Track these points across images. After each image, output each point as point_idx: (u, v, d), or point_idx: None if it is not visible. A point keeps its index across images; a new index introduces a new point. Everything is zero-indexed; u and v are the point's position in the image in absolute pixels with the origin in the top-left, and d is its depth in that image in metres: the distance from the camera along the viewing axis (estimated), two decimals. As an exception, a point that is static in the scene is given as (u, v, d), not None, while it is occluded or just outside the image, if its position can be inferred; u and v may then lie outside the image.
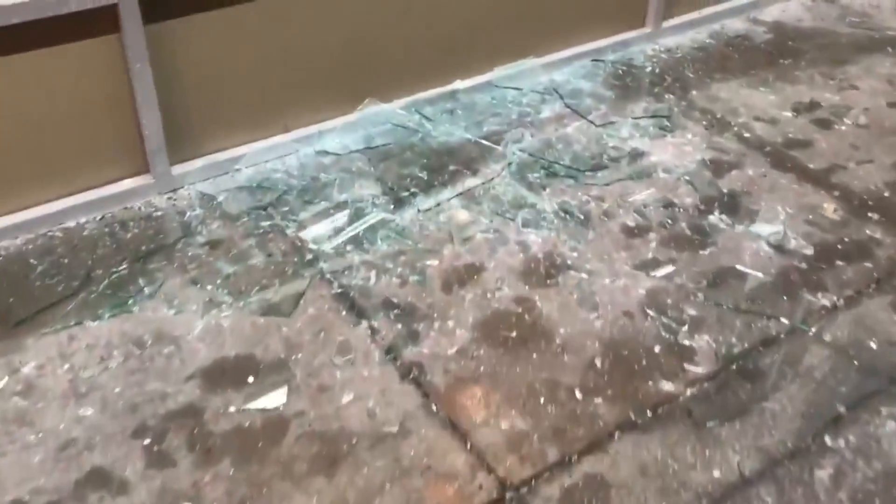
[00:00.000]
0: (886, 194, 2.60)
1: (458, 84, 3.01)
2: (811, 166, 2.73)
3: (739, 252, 2.35)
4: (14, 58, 2.18)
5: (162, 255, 2.29)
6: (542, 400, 1.89)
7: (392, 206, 2.49)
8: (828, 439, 1.82)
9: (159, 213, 2.46)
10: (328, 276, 2.23)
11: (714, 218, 2.48)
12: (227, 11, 2.44)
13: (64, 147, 2.35)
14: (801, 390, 1.93)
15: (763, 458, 1.77)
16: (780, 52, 3.44)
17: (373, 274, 2.24)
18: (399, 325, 2.08)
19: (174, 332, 2.05)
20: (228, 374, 1.94)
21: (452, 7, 2.89)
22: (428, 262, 2.29)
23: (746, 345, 2.05)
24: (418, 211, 2.47)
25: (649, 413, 1.87)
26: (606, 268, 2.28)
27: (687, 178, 2.65)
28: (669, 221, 2.46)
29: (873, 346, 2.06)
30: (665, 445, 1.80)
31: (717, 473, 1.74)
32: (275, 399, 1.88)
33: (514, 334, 2.06)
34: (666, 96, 3.09)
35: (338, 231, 2.39)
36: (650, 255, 2.33)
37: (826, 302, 2.19)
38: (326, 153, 2.73)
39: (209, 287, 2.18)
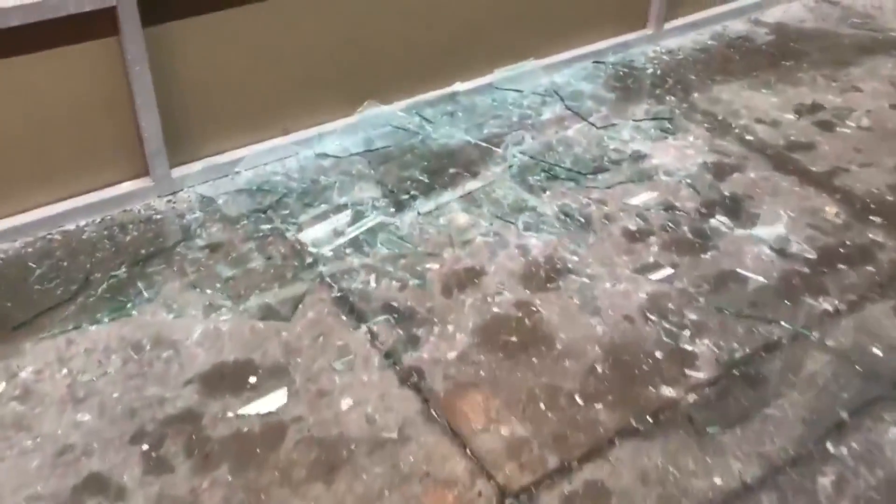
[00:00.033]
0: (889, 197, 2.59)
1: (459, 86, 3.00)
2: (813, 169, 2.72)
3: (741, 256, 2.34)
4: (13, 60, 2.17)
5: (161, 258, 2.28)
6: (542, 406, 1.88)
7: (392, 209, 2.48)
8: (830, 446, 1.80)
9: (159, 216, 2.45)
10: (328, 279, 2.22)
11: (716, 221, 2.47)
12: (226, 13, 2.43)
13: (63, 150, 2.34)
14: (803, 396, 1.92)
15: (765, 465, 1.76)
16: (782, 53, 3.43)
17: (372, 277, 2.23)
18: (399, 330, 2.07)
19: (173, 337, 2.04)
20: (227, 378, 1.94)
21: (452, 8, 2.88)
22: (428, 266, 2.28)
23: (748, 350, 2.04)
24: (418, 214, 2.46)
25: (650, 419, 1.85)
26: (607, 272, 2.27)
27: (688, 180, 2.64)
28: (671, 225, 2.45)
29: (876, 351, 2.04)
30: (666, 452, 1.78)
31: (718, 480, 1.73)
32: (274, 400, 1.88)
33: (514, 339, 2.05)
34: (667, 98, 3.08)
35: (338, 234, 2.38)
36: (651, 259, 2.32)
37: (828, 306, 2.18)
38: (326, 156, 2.72)
39: (208, 291, 2.17)
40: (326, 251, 2.31)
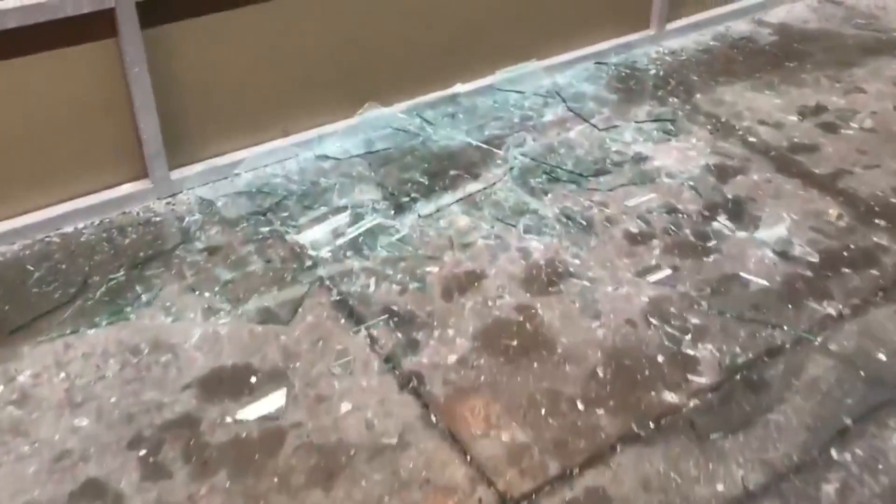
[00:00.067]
0: (894, 200, 2.57)
1: (460, 87, 2.99)
2: (817, 171, 2.70)
3: (744, 259, 2.32)
4: (11, 62, 2.16)
5: (160, 261, 2.27)
6: (543, 411, 1.87)
7: (392, 212, 2.46)
8: (834, 453, 1.79)
9: (158, 219, 2.43)
10: (327, 282, 2.20)
11: (718, 224, 2.45)
12: (225, 15, 2.41)
13: (61, 152, 2.33)
14: (806, 402, 1.90)
15: (768, 471, 1.74)
16: (785, 54, 3.41)
17: (372, 281, 2.21)
18: (398, 334, 2.05)
19: (171, 341, 2.02)
20: (225, 383, 1.92)
21: (453, 8, 2.86)
22: (428, 269, 2.26)
23: (751, 355, 2.02)
24: (419, 216, 2.45)
25: (652, 425, 1.84)
26: (609, 275, 2.25)
27: (691, 183, 2.62)
28: (673, 228, 2.43)
29: (880, 356, 2.03)
30: (668, 458, 1.77)
31: (720, 487, 1.71)
32: (273, 402, 1.86)
33: (514, 343, 2.04)
34: (670, 100, 3.06)
35: (337, 237, 2.36)
36: (653, 262, 2.30)
37: (832, 311, 2.16)
38: (326, 157, 2.70)
39: (207, 294, 2.16)
40: (326, 254, 2.30)
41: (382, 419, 1.84)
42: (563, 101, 3.03)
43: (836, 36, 3.56)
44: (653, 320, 2.11)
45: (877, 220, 2.48)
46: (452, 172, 2.64)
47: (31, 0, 2.10)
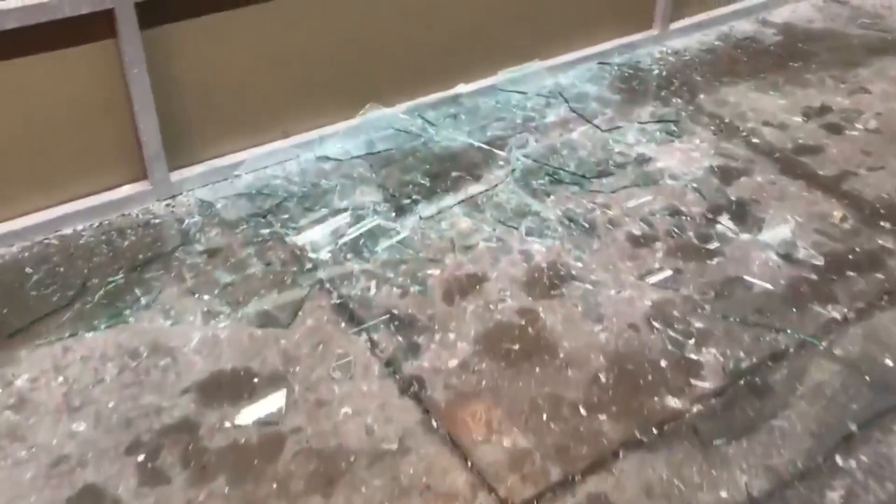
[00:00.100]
0: (899, 202, 2.55)
1: (462, 88, 2.97)
2: (821, 173, 2.68)
3: (747, 262, 2.30)
4: (10, 63, 2.15)
5: (159, 263, 2.25)
6: (544, 416, 1.85)
7: (393, 214, 2.45)
8: (839, 459, 1.77)
9: (157, 221, 2.42)
10: (327, 285, 2.19)
11: (721, 226, 2.43)
12: (224, 15, 2.40)
13: (60, 153, 2.32)
14: (810, 407, 1.88)
15: (772, 478, 1.73)
16: (789, 54, 3.38)
17: (373, 283, 2.20)
18: (399, 338, 2.04)
19: (170, 344, 2.01)
20: (225, 387, 1.91)
21: (455, 9, 2.85)
22: (429, 272, 2.24)
23: (754, 359, 2.00)
24: (420, 218, 2.43)
25: (655, 430, 1.82)
26: (612, 278, 2.23)
27: (694, 185, 2.60)
28: (676, 230, 2.41)
29: (886, 361, 2.00)
30: (671, 464, 1.75)
31: (724, 494, 1.69)
32: (273, 406, 1.85)
33: (516, 347, 2.02)
34: (673, 100, 3.04)
35: (338, 239, 2.35)
36: (657, 265, 2.28)
37: (836, 314, 2.14)
38: (327, 159, 2.69)
39: (206, 297, 2.14)
40: (326, 256, 2.28)
41: (383, 424, 1.82)
42: (566, 101, 3.01)
43: (841, 36, 3.53)
44: (656, 324, 2.09)
45: (882, 223, 2.46)
46: (454, 174, 2.62)
47: (31, 0, 2.09)
